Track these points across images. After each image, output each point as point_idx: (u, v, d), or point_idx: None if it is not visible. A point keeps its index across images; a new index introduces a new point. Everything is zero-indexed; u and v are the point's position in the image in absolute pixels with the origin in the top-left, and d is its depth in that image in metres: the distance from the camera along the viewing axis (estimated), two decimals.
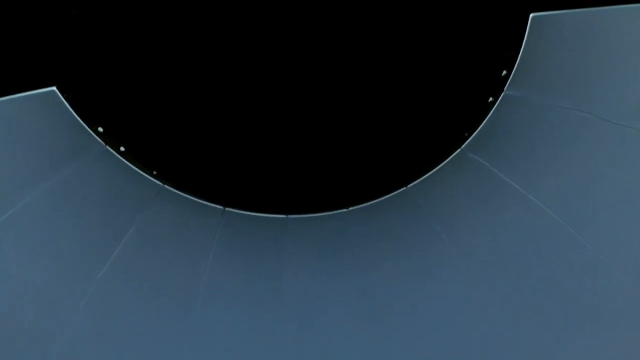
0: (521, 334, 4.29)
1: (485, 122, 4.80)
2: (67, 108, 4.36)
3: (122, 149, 4.61)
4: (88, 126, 4.45)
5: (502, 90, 4.64)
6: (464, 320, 4.54)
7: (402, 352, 4.60)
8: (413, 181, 4.97)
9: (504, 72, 4.60)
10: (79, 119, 4.40)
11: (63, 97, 4.31)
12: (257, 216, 4.98)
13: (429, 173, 4.94)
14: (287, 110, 4.72)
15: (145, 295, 4.64)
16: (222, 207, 4.93)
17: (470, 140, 4.85)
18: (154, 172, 4.76)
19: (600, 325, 4.03)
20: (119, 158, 4.61)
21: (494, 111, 4.75)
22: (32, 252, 4.33)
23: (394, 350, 4.61)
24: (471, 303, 4.53)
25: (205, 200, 4.90)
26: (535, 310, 4.29)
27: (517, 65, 4.54)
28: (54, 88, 4.26)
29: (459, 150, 4.86)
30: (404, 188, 4.97)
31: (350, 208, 4.99)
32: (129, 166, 4.65)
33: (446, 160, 4.92)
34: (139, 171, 4.70)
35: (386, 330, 4.68)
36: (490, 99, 4.73)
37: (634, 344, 3.85)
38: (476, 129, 4.85)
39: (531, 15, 4.21)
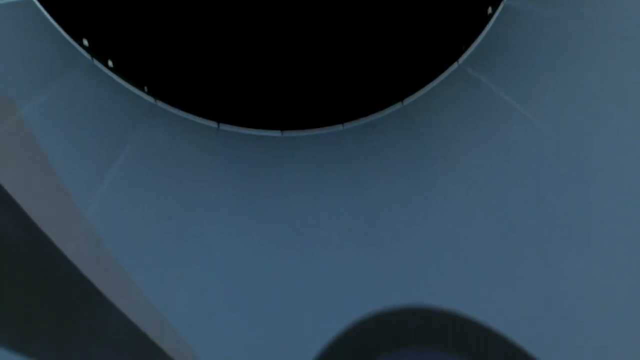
0: (519, 258, 4.44)
1: (484, 36, 4.69)
2: (47, 19, 4.07)
3: (110, 63, 4.39)
4: (72, 39, 4.19)
5: (502, 1, 4.50)
6: (458, 240, 4.69)
7: (396, 271, 4.77)
8: (409, 95, 4.90)
9: None
10: (61, 31, 4.14)
11: (41, 5, 4.00)
12: (251, 134, 4.89)
13: (426, 89, 4.87)
14: (281, 23, 4.52)
15: (141, 216, 4.64)
16: (216, 124, 4.82)
17: (469, 55, 4.75)
18: (145, 88, 4.58)
19: (599, 249, 4.17)
20: (107, 74, 4.40)
21: (493, 23, 4.62)
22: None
23: (388, 270, 4.78)
24: (466, 224, 4.66)
25: (200, 116, 4.76)
26: (533, 235, 4.42)
27: None
28: None
29: (457, 65, 4.77)
30: (400, 104, 4.91)
31: (346, 124, 4.93)
32: (119, 82, 4.45)
33: (443, 76, 4.83)
34: (130, 87, 4.51)
35: (381, 251, 4.82)
36: (489, 10, 4.60)
37: (631, 267, 4.04)
38: (474, 42, 4.74)
39: None
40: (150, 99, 4.62)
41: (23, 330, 3.93)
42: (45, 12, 4.05)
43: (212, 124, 4.84)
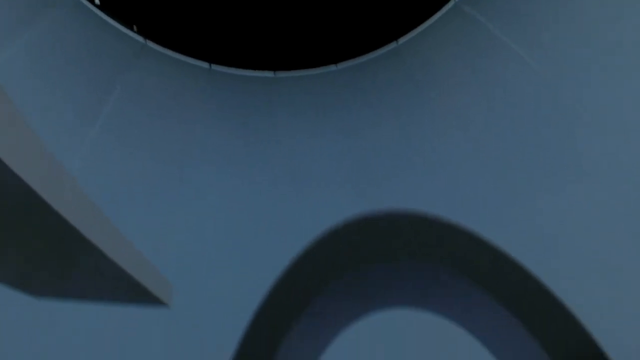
0: (514, 197, 4.49)
1: None
2: None
3: (96, 0, 4.27)
4: None
5: None
6: (453, 180, 4.70)
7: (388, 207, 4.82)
8: (404, 35, 4.79)
9: None
10: None
11: None
12: (244, 75, 4.82)
13: (421, 28, 4.74)
14: None
15: (133, 158, 4.65)
16: (208, 65, 4.74)
17: None
18: (134, 28, 4.47)
19: (590, 189, 4.21)
20: (94, 11, 4.28)
21: None
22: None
23: (383, 207, 4.82)
24: (461, 163, 4.66)
25: (191, 57, 4.68)
26: (528, 175, 4.44)
27: None
28: None
29: (454, 2, 4.63)
30: (395, 44, 4.81)
31: (340, 65, 4.84)
32: (107, 21, 4.34)
33: (439, 14, 4.70)
34: (118, 26, 4.40)
35: (377, 189, 4.85)
36: None
37: (619, 205, 4.09)
38: None
39: None
40: (139, 38, 4.52)
41: (23, 272, 4.05)
42: None
43: (204, 64, 4.76)
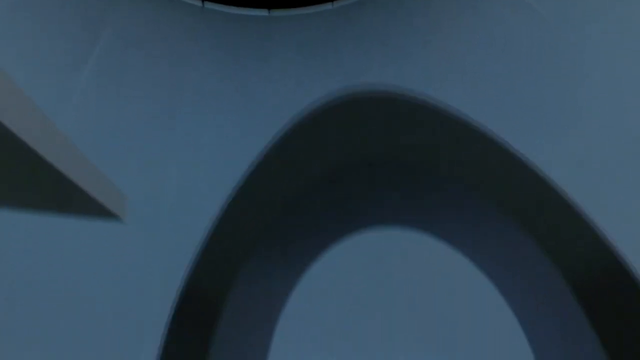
0: (511, 139, 4.42)
1: None
2: None
3: None
4: None
5: None
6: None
7: None
8: None
9: None
10: None
11: None
12: (237, 14, 4.70)
13: None
14: None
15: (125, 101, 4.61)
16: (200, 3, 4.62)
17: None
18: None
19: (590, 129, 4.13)
20: None
21: None
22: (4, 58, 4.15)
23: None
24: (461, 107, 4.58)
25: None
26: (526, 116, 4.36)
27: None
28: None
29: None
30: None
31: (336, 3, 4.70)
32: None
33: None
34: None
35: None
36: None
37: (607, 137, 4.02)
38: None
39: None
40: None
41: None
42: None
43: (197, 2, 4.62)
